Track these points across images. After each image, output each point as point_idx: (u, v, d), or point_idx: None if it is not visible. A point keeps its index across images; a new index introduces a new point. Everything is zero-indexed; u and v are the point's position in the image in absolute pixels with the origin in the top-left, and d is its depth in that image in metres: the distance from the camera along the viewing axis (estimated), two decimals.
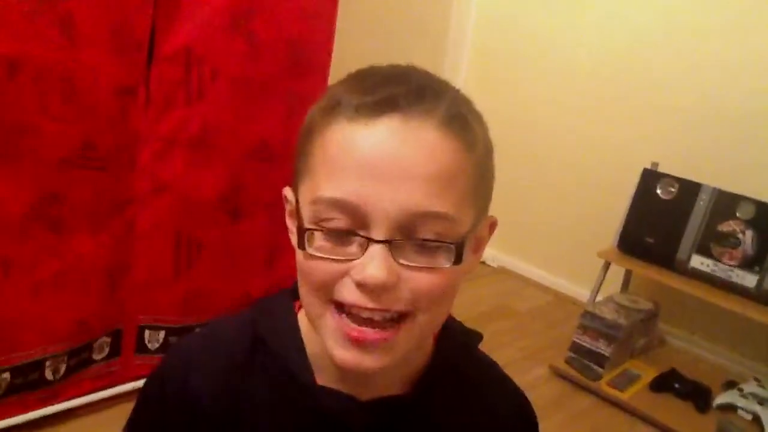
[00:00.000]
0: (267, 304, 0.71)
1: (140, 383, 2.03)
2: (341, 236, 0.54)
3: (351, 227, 0.54)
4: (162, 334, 1.95)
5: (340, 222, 0.53)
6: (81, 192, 1.67)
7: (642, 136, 3.03)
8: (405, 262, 0.54)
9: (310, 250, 0.55)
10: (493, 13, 3.53)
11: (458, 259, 0.55)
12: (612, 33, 3.09)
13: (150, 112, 1.75)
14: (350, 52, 1.96)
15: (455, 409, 0.69)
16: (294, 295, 0.65)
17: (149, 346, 1.94)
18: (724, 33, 2.78)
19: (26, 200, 1.58)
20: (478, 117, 0.60)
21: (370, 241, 0.53)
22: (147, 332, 1.94)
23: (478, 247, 0.62)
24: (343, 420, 0.62)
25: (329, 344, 0.57)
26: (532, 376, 2.44)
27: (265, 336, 0.66)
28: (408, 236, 0.53)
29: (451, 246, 0.55)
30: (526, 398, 0.77)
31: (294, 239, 0.59)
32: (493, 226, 0.64)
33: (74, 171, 1.63)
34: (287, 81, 1.91)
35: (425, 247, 0.54)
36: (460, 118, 0.55)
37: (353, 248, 0.54)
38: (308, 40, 1.91)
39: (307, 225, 0.56)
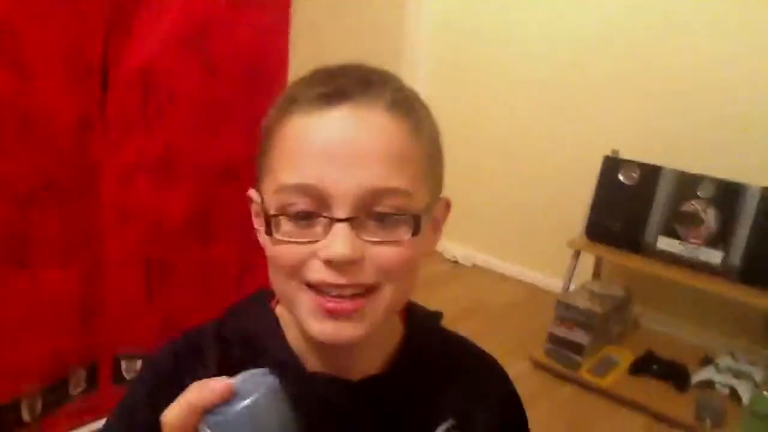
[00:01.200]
0: (241, 307, 0.75)
1: None
2: (305, 219, 0.58)
3: (314, 209, 0.58)
4: (139, 363, 1.92)
5: (303, 205, 0.58)
6: (45, 228, 1.63)
7: (601, 125, 3.08)
8: (368, 238, 0.58)
9: (277, 236, 0.60)
10: (448, 9, 3.56)
11: (417, 230, 0.59)
12: (568, 24, 3.14)
13: (109, 139, 1.72)
14: (306, 65, 1.96)
15: (436, 381, 0.73)
16: (267, 296, 0.70)
17: (126, 376, 1.91)
18: (675, 19, 2.84)
19: None
20: (422, 104, 0.66)
21: (332, 220, 0.57)
22: (123, 362, 1.91)
23: (436, 227, 0.68)
24: (337, 402, 0.65)
25: (308, 322, 0.61)
26: (513, 370, 2.44)
27: (249, 334, 0.68)
28: (368, 213, 0.58)
29: (410, 218, 0.59)
30: (502, 369, 0.82)
31: (261, 234, 0.64)
32: (447, 206, 0.69)
33: (36, 206, 1.60)
34: (247, 98, 1.90)
35: (385, 221, 0.58)
36: (406, 102, 0.61)
37: (318, 229, 0.58)
38: (265, 56, 1.91)
39: (272, 212, 0.60)
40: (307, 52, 2.32)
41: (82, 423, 1.85)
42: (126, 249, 1.81)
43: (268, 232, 0.60)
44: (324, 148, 0.57)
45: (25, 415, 1.70)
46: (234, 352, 0.68)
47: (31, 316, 1.66)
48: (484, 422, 0.74)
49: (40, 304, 1.67)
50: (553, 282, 3.22)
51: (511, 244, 3.50)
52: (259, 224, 0.66)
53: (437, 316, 0.79)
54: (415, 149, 0.60)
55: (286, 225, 0.59)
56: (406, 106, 0.61)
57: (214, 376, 0.53)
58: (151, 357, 0.73)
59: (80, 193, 1.70)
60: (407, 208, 0.59)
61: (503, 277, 3.52)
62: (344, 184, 0.56)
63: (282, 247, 0.60)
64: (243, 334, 0.69)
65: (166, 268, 1.88)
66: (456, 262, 3.58)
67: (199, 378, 0.66)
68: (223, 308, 0.74)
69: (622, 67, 2.97)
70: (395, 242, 0.59)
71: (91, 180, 1.72)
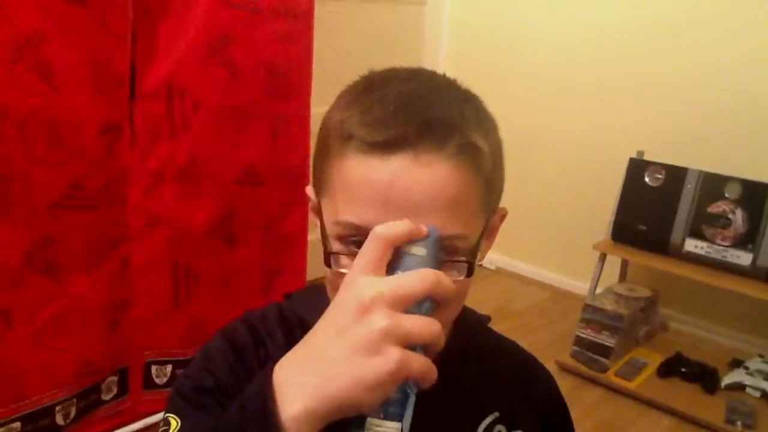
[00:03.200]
0: (299, 294, 0.77)
1: (151, 419, 2.03)
2: None
3: None
4: (169, 368, 1.95)
5: (361, 239, 0.56)
6: (74, 233, 1.67)
7: (626, 127, 3.05)
8: None
9: (336, 269, 0.60)
10: (468, 17, 3.56)
11: (470, 273, 0.59)
12: (589, 27, 3.12)
13: (136, 148, 1.76)
14: (329, 69, 1.98)
15: (482, 380, 0.74)
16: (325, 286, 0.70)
17: (157, 381, 1.94)
18: (700, 20, 2.81)
19: (20, 248, 1.58)
20: (487, 127, 0.63)
21: None
22: (154, 368, 1.93)
23: (491, 235, 0.68)
24: None
25: None
26: None
27: (306, 320, 0.67)
28: None
29: (464, 264, 0.59)
30: (550, 373, 0.83)
31: (316, 232, 0.65)
32: (503, 216, 0.70)
33: (66, 213, 1.64)
34: (269, 104, 1.92)
35: (440, 265, 0.56)
36: (469, 148, 0.58)
37: None
38: (286, 62, 1.93)
39: (331, 243, 0.61)
40: (329, 59, 2.34)
41: (115, 428, 1.88)
42: (152, 254, 1.84)
43: (327, 265, 0.60)
44: (382, 195, 0.56)
45: (60, 420, 1.74)
46: (297, 334, 0.68)
47: (62, 323, 1.69)
48: (527, 421, 0.75)
49: (69, 311, 1.70)
50: (578, 285, 3.20)
51: (536, 247, 3.49)
52: (315, 218, 0.67)
53: (486, 318, 0.80)
54: (473, 191, 0.59)
55: (344, 260, 0.59)
56: (469, 150, 0.58)
57: (282, 351, 0.53)
58: (224, 329, 0.73)
59: (108, 200, 1.73)
60: (461, 251, 0.59)
61: (528, 281, 3.50)
62: None
63: (340, 280, 0.58)
64: (301, 318, 0.71)
65: (192, 273, 1.91)
66: (480, 265, 3.57)
67: (270, 352, 0.69)
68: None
69: (647, 68, 2.95)
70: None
71: (118, 186, 1.75)
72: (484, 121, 0.63)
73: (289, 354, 0.52)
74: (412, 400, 0.52)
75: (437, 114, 0.58)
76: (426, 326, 0.49)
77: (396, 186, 0.56)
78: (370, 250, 0.51)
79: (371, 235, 0.52)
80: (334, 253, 0.60)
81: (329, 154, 0.61)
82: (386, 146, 0.56)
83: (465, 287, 0.62)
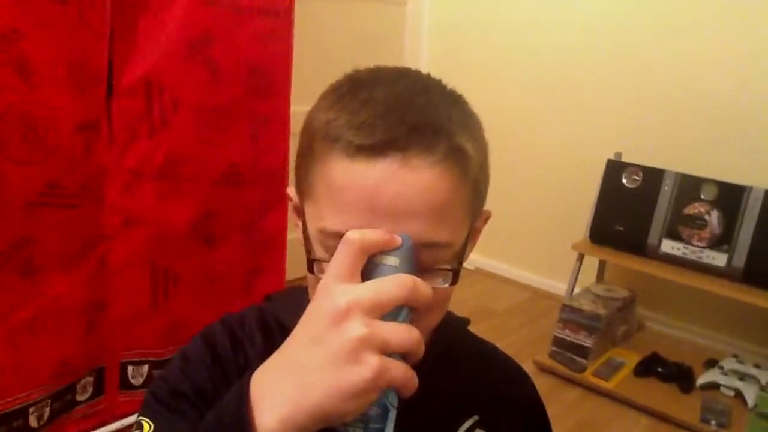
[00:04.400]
0: (281, 295, 0.76)
1: (127, 421, 2.00)
2: None
3: None
4: (145, 368, 1.93)
5: None
6: (51, 232, 1.65)
7: (603, 128, 3.08)
8: None
9: (318, 274, 0.58)
10: (448, 17, 3.57)
11: (455, 281, 0.59)
12: (570, 28, 3.15)
13: (114, 146, 1.74)
14: (309, 68, 1.98)
15: (462, 383, 0.74)
16: (305, 288, 0.68)
17: (133, 381, 1.92)
18: (676, 23, 2.84)
19: None
20: (474, 130, 0.62)
21: None
22: (130, 368, 1.92)
23: (474, 237, 0.67)
24: None
25: None
26: None
27: (286, 323, 0.66)
28: None
29: (449, 272, 0.58)
30: (528, 375, 0.83)
31: (298, 232, 0.64)
32: (487, 218, 0.69)
33: (42, 212, 1.61)
34: (249, 104, 1.91)
35: (424, 271, 0.56)
36: (458, 152, 0.57)
37: None
38: (267, 61, 1.92)
39: (315, 248, 0.59)
40: (309, 58, 2.34)
41: (90, 429, 1.86)
42: (131, 254, 1.82)
43: (310, 271, 0.59)
44: (368, 200, 0.55)
45: (33, 422, 1.71)
46: (277, 340, 0.67)
47: (37, 323, 1.67)
48: (507, 425, 0.75)
49: (45, 311, 1.68)
50: (556, 285, 3.22)
51: (514, 247, 3.50)
52: (296, 219, 0.66)
53: (465, 321, 0.80)
54: (460, 196, 0.58)
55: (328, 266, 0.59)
56: (457, 155, 0.57)
57: (262, 356, 0.52)
58: (202, 332, 0.71)
59: (85, 198, 1.71)
60: (447, 258, 0.58)
61: (507, 281, 3.52)
62: None
63: None
64: (281, 322, 0.70)
65: (171, 273, 1.89)
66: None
67: (249, 357, 0.68)
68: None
69: (625, 70, 2.98)
70: (434, 289, 0.57)
71: (96, 185, 1.73)
72: (472, 125, 0.62)
73: (267, 362, 0.51)
74: (392, 415, 0.51)
75: (426, 118, 0.57)
76: (404, 334, 0.48)
77: (383, 191, 0.55)
78: (343, 256, 0.50)
79: (344, 240, 0.51)
80: (317, 259, 0.59)
81: (313, 155, 0.59)
82: (374, 149, 0.55)
83: (448, 294, 0.62)
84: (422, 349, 0.49)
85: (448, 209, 0.57)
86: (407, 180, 0.55)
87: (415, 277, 0.50)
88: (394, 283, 0.49)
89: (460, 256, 0.60)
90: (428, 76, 0.65)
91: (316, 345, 0.48)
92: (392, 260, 0.53)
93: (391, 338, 0.47)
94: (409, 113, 0.56)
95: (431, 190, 0.55)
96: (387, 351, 0.47)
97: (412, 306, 0.51)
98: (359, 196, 0.55)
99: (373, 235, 0.52)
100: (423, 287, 0.50)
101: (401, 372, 0.48)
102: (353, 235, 0.51)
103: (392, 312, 0.49)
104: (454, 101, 0.62)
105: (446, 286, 0.58)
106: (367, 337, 0.46)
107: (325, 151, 0.58)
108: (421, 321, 0.58)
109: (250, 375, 0.50)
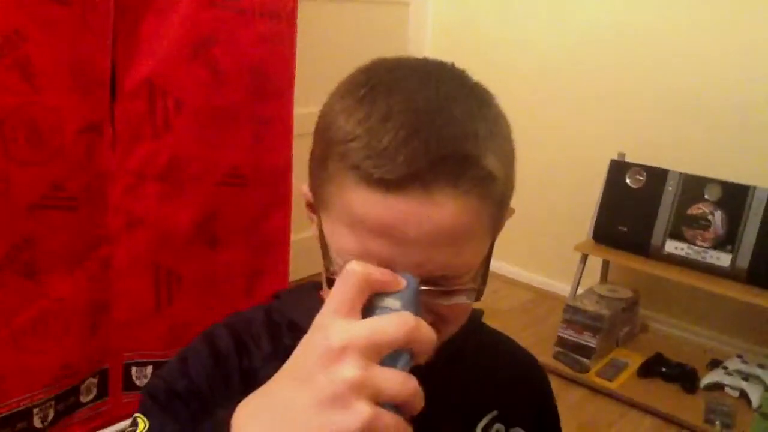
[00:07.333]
0: (290, 294, 0.75)
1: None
2: None
3: None
4: (149, 369, 1.93)
5: None
6: (54, 234, 1.65)
7: (607, 129, 3.08)
8: (428, 299, 0.56)
9: None
10: (451, 18, 3.57)
11: (478, 298, 0.59)
12: (573, 28, 3.14)
13: (117, 148, 1.74)
14: (312, 70, 1.98)
15: (477, 376, 0.75)
16: (316, 285, 0.69)
17: (137, 383, 1.92)
18: (681, 23, 2.84)
19: None
20: (500, 138, 0.59)
21: None
22: (134, 369, 1.92)
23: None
24: None
25: None
26: None
27: (296, 321, 0.66)
28: (431, 284, 0.56)
29: (473, 291, 0.59)
30: (541, 367, 0.87)
31: (313, 227, 0.63)
32: (510, 214, 0.67)
33: (45, 214, 1.62)
34: (252, 106, 1.91)
35: (447, 292, 0.56)
36: (485, 179, 0.55)
37: None
38: (270, 64, 1.92)
39: (335, 265, 0.57)
40: (312, 59, 2.34)
41: (94, 430, 1.86)
42: (134, 256, 1.82)
43: (329, 285, 0.57)
44: (389, 230, 0.53)
45: (37, 423, 1.72)
46: (285, 340, 0.67)
47: (40, 324, 1.67)
48: (524, 419, 0.76)
49: (48, 312, 1.68)
50: (560, 286, 3.22)
51: (518, 248, 3.50)
52: (311, 214, 0.64)
53: (479, 313, 0.79)
54: (484, 216, 0.57)
55: None
56: (483, 183, 0.55)
57: (267, 359, 0.51)
58: (206, 333, 0.69)
59: (88, 200, 1.71)
60: (470, 278, 0.58)
61: (510, 281, 3.51)
62: (407, 262, 0.54)
63: None
64: (290, 321, 0.69)
65: (174, 276, 1.89)
66: None
67: (254, 361, 0.67)
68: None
69: (628, 70, 2.97)
70: (455, 305, 0.58)
71: (99, 187, 1.74)
72: (498, 132, 0.59)
73: (249, 399, 0.47)
74: None
75: (451, 145, 0.53)
76: (401, 383, 0.43)
77: (404, 222, 0.53)
78: (344, 289, 0.46)
79: (345, 272, 0.47)
80: (333, 279, 0.57)
81: (328, 170, 0.57)
82: (395, 184, 0.52)
83: (468, 307, 0.62)
84: (421, 402, 0.45)
85: (470, 235, 0.56)
86: (430, 215, 0.53)
87: (418, 318, 0.45)
88: (395, 322, 0.44)
89: (484, 271, 0.60)
90: (451, 71, 0.62)
91: (303, 385, 0.43)
92: (394, 303, 0.49)
93: (385, 386, 0.43)
94: (432, 138, 0.52)
95: (455, 222, 0.54)
96: (379, 400, 0.42)
97: (413, 351, 0.46)
98: (380, 225, 0.53)
99: (377, 272, 0.48)
100: (426, 330, 0.45)
101: (394, 426, 0.43)
102: (356, 268, 0.47)
103: (391, 356, 0.45)
104: (480, 104, 0.59)
105: (469, 302, 0.59)
106: (359, 381, 0.42)
107: (342, 175, 0.55)
108: (443, 330, 0.59)
109: (231, 412, 0.47)
